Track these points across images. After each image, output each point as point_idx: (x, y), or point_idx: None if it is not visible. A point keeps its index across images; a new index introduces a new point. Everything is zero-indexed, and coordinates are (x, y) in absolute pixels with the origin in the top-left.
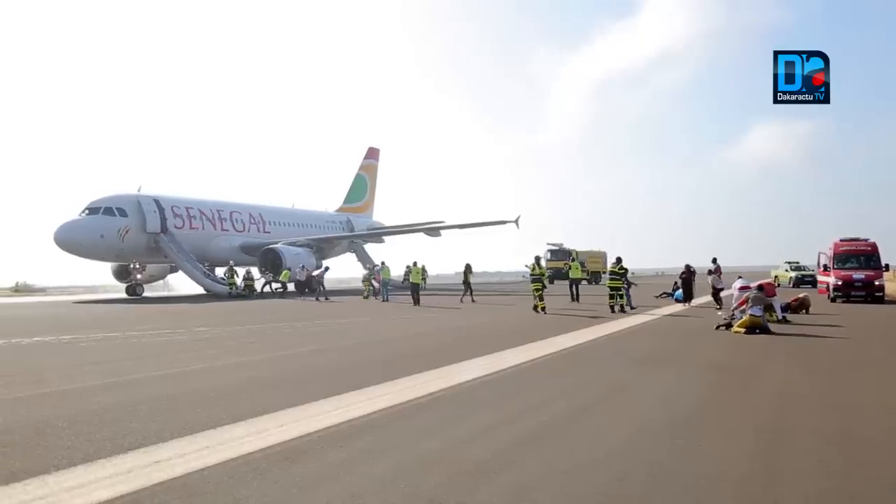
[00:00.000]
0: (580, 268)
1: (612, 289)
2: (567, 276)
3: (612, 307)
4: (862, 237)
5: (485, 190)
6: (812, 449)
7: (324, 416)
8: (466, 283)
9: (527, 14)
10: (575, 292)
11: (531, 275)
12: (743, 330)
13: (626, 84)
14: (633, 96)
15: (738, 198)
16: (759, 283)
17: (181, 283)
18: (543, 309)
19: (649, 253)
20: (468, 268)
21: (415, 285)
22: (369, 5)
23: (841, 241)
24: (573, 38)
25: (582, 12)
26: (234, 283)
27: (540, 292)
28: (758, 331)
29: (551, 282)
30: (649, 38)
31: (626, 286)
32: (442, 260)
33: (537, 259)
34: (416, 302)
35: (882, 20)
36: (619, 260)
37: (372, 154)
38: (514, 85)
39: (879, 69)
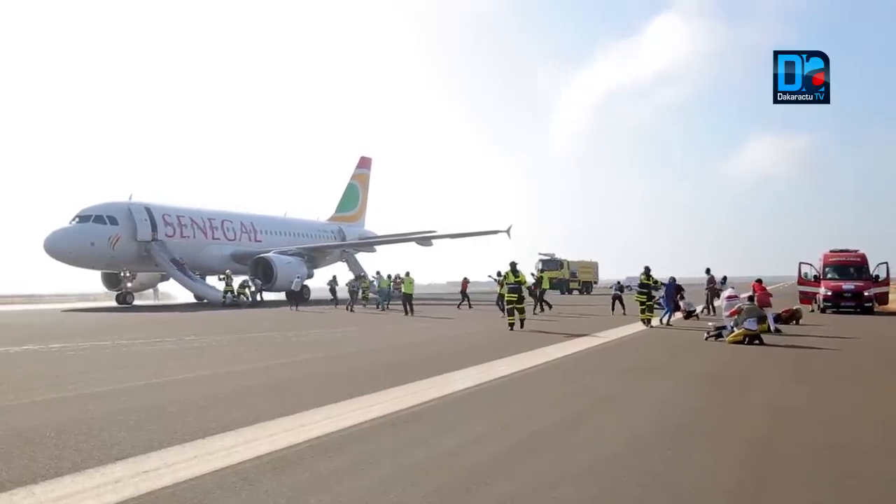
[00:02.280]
0: (549, 280)
1: (640, 303)
2: (556, 286)
3: (643, 321)
4: (852, 248)
5: (483, 199)
6: (803, 460)
7: (314, 426)
8: (535, 294)
9: (531, 31)
10: (542, 301)
11: (507, 284)
12: (735, 341)
13: (628, 99)
14: (634, 111)
15: (735, 208)
16: (749, 294)
17: (171, 292)
18: (522, 323)
19: (646, 262)
20: (540, 280)
21: (407, 295)
22: (367, 14)
23: (831, 252)
24: (577, 55)
25: (586, 31)
26: (231, 290)
27: (518, 305)
28: (746, 340)
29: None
30: (652, 57)
31: (662, 298)
32: (434, 269)
33: (513, 266)
34: (408, 312)
35: (883, 37)
36: (647, 270)
37: (364, 163)
38: (515, 97)
39: (879, 86)
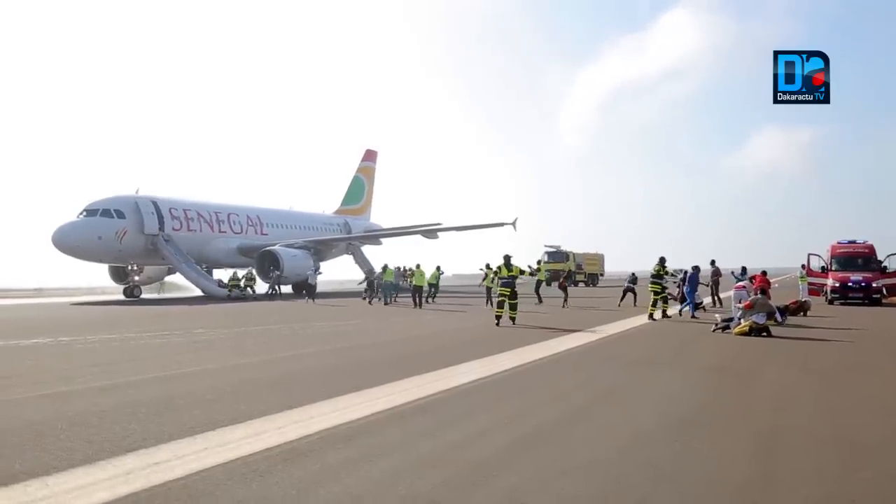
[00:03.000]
0: (546, 272)
1: (654, 292)
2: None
3: (650, 315)
4: (860, 240)
5: (488, 195)
6: (810, 452)
7: (322, 418)
8: (564, 287)
9: (538, 27)
10: (539, 294)
11: (500, 278)
12: (742, 333)
13: (634, 95)
14: (640, 107)
15: (741, 202)
16: (754, 282)
17: (180, 284)
18: (513, 319)
19: (651, 256)
20: (569, 275)
21: (418, 287)
22: (375, 10)
23: (839, 243)
24: (584, 52)
25: (595, 28)
26: (237, 284)
27: (512, 301)
28: (753, 332)
29: (548, 284)
30: (659, 52)
31: (686, 288)
32: (440, 262)
33: (507, 259)
34: (416, 304)
35: (889, 33)
36: (661, 261)
37: (369, 156)
38: (520, 94)
39: (887, 81)
